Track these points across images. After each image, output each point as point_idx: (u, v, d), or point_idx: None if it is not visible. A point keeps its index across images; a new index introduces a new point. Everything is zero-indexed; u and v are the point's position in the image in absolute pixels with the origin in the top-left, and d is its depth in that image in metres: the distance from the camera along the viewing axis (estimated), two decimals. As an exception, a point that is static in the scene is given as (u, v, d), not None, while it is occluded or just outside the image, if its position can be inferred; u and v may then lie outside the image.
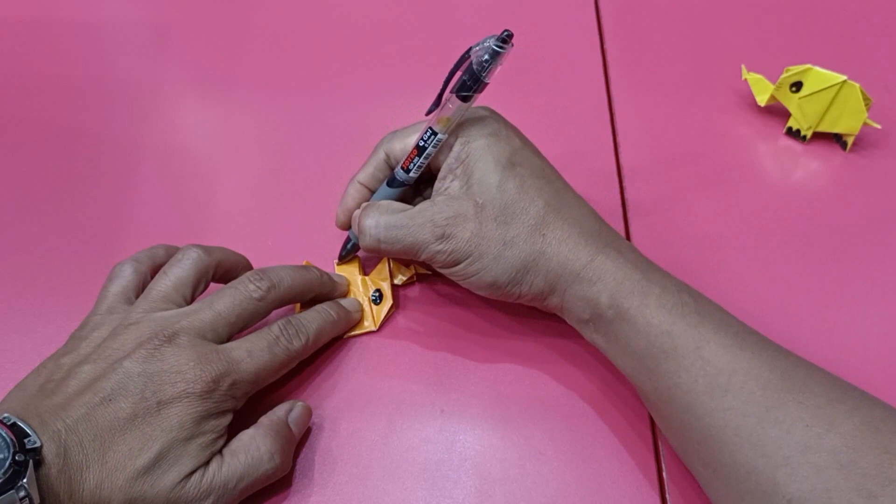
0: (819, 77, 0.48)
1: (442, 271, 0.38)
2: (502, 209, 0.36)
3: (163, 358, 0.33)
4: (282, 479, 0.36)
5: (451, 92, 0.36)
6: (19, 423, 0.30)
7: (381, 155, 0.41)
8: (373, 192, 0.41)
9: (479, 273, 0.37)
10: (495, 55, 0.34)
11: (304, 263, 0.43)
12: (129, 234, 0.47)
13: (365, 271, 0.44)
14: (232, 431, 0.35)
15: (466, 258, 0.36)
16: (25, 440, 0.29)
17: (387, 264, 0.44)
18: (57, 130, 0.54)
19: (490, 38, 0.34)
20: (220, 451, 0.34)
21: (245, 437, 0.35)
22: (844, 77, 0.47)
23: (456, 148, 0.37)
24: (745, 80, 0.52)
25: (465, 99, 0.35)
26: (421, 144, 0.38)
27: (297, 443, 0.37)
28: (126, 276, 0.38)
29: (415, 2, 0.63)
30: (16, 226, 0.48)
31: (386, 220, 0.38)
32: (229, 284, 0.37)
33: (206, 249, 0.39)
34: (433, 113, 0.37)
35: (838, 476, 0.28)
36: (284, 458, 0.35)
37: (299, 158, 0.51)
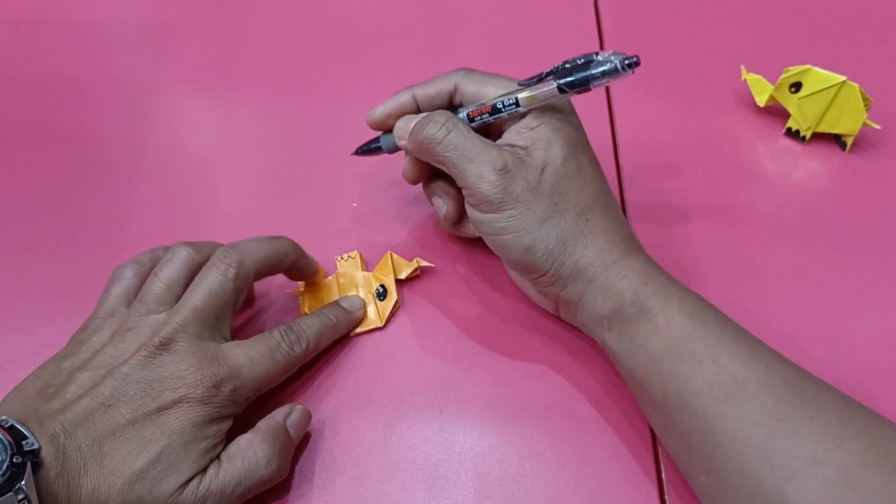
0: (818, 77, 0.48)
1: (478, 220, 0.37)
2: (561, 181, 0.36)
3: (162, 364, 0.33)
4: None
5: (555, 80, 0.36)
6: (17, 426, 0.30)
7: (449, 85, 0.40)
8: (418, 112, 0.41)
9: (519, 231, 0.36)
10: (615, 74, 0.34)
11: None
12: (129, 234, 0.47)
13: (367, 268, 0.44)
14: (230, 434, 0.35)
15: (514, 205, 0.36)
16: (23, 442, 0.29)
17: (389, 259, 0.44)
18: (57, 130, 0.54)
19: (619, 55, 0.34)
20: (217, 457, 0.34)
21: (243, 441, 0.35)
22: (844, 77, 0.47)
23: (528, 118, 0.37)
24: (745, 80, 0.52)
25: (562, 91, 0.36)
26: (499, 106, 0.38)
27: (295, 447, 0.37)
28: (127, 278, 0.38)
29: (415, 2, 0.63)
30: (16, 226, 0.48)
31: (459, 127, 0.37)
32: (201, 272, 0.37)
33: (195, 246, 0.38)
34: (526, 88, 0.37)
35: (846, 492, 0.28)
36: (282, 463, 0.35)
37: (299, 158, 0.51)
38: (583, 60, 0.35)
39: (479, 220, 0.37)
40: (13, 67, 0.58)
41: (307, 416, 0.38)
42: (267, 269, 0.39)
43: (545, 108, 0.38)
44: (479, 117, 0.39)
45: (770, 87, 0.51)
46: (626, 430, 0.38)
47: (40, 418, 0.31)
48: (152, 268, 0.39)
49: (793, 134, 0.51)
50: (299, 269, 0.41)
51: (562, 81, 0.35)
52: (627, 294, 0.35)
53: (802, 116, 0.50)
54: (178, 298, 0.37)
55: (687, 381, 0.33)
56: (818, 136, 0.51)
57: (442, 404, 0.39)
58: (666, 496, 0.36)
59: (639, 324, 0.35)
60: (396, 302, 0.42)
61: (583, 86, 0.35)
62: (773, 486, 0.30)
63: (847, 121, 0.49)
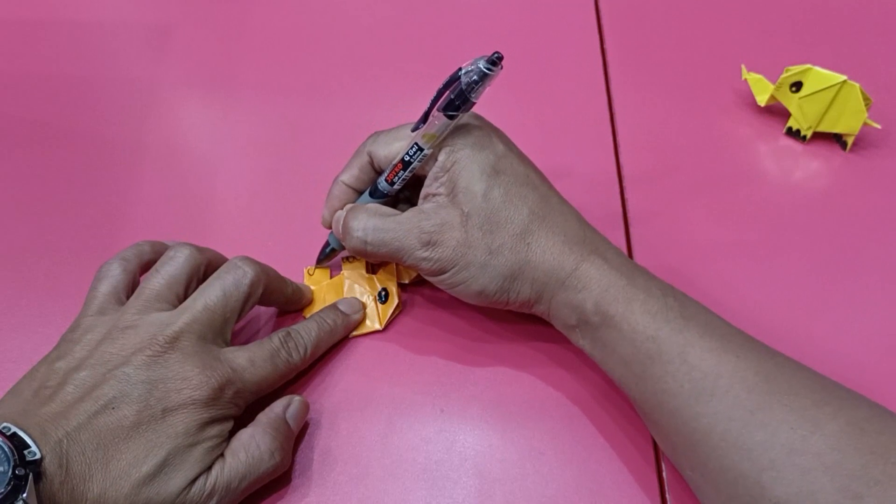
0: (819, 77, 0.48)
1: (429, 279, 0.38)
2: (487, 218, 0.36)
3: (166, 364, 0.33)
4: (280, 477, 0.36)
5: (437, 110, 0.36)
6: (19, 433, 0.29)
7: (364, 157, 0.40)
8: (356, 191, 0.42)
9: (466, 282, 0.37)
10: (484, 77, 0.34)
11: (305, 271, 0.44)
12: (129, 234, 0.47)
13: (372, 270, 0.44)
14: (231, 429, 0.35)
15: (453, 267, 0.37)
16: (25, 451, 0.28)
17: (395, 263, 0.44)
18: (57, 130, 0.54)
19: (480, 59, 0.34)
20: (221, 453, 0.34)
21: (244, 435, 0.35)
22: (844, 77, 0.47)
23: (441, 157, 0.37)
24: (745, 80, 0.52)
25: (451, 117, 0.36)
26: (406, 159, 0.38)
27: (294, 438, 0.37)
28: (115, 275, 0.38)
29: (415, 3, 0.63)
30: (16, 225, 0.48)
31: (374, 223, 0.38)
32: (216, 273, 0.37)
33: (197, 247, 0.39)
34: (419, 130, 0.37)
35: (823, 478, 0.28)
36: (284, 455, 0.35)
37: (299, 158, 0.51)
38: (455, 77, 0.35)
39: (432, 281, 0.39)
40: (13, 67, 0.58)
41: (306, 407, 0.38)
42: (270, 292, 0.39)
43: (455, 137, 0.37)
44: (396, 178, 0.39)
45: (770, 87, 0.51)
46: (627, 429, 0.38)
47: (42, 424, 0.30)
48: (139, 263, 0.39)
49: (793, 133, 0.51)
50: (293, 302, 0.42)
51: (444, 108, 0.35)
52: (588, 305, 0.35)
53: (803, 116, 0.50)
54: (178, 296, 0.37)
55: (659, 382, 0.33)
56: (819, 136, 0.51)
57: (442, 404, 0.39)
58: (667, 495, 0.36)
59: (606, 331, 0.35)
60: (398, 306, 0.42)
61: (463, 101, 0.35)
62: (752, 478, 0.30)
63: (848, 120, 0.49)
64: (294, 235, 0.47)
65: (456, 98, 0.35)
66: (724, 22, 0.60)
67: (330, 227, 0.42)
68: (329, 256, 0.44)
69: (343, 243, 0.40)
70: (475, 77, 0.34)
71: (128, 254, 0.39)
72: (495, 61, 0.34)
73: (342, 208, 0.41)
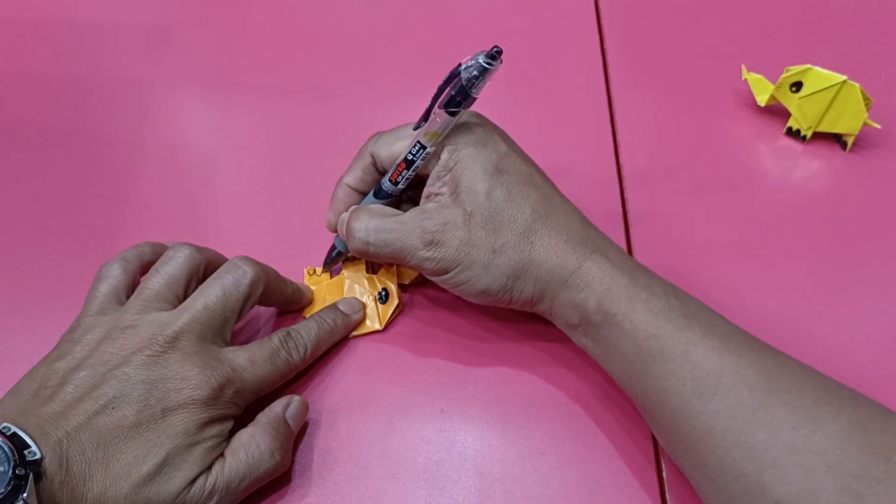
0: (819, 77, 0.48)
1: (432, 279, 0.38)
2: (490, 217, 0.36)
3: (166, 364, 0.33)
4: (280, 477, 0.36)
5: (439, 107, 0.36)
6: (19, 433, 0.29)
7: (367, 158, 0.41)
8: (361, 193, 0.42)
9: (469, 281, 0.37)
10: (484, 71, 0.34)
11: (305, 271, 0.44)
12: (129, 234, 0.47)
13: (373, 270, 0.44)
14: (231, 429, 0.35)
15: (456, 266, 0.36)
16: (26, 451, 0.28)
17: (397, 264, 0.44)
18: (57, 130, 0.54)
19: (479, 53, 0.34)
20: (221, 453, 0.34)
21: (244, 435, 0.35)
22: (844, 77, 0.47)
23: (443, 156, 0.37)
24: (745, 80, 0.52)
25: (452, 113, 0.36)
26: (410, 158, 0.38)
27: (294, 437, 0.37)
28: (115, 275, 0.38)
29: (415, 3, 0.63)
30: (16, 226, 0.48)
31: (376, 224, 0.38)
32: (216, 273, 0.37)
33: (197, 247, 0.39)
34: (421, 128, 0.37)
35: (825, 477, 0.28)
36: (284, 454, 0.35)
37: (299, 159, 0.51)
38: (455, 73, 0.35)
39: (435, 281, 0.38)
40: (13, 67, 0.58)
41: (305, 407, 0.38)
42: (270, 292, 0.39)
43: (457, 136, 0.37)
44: (399, 177, 0.39)
45: (770, 87, 0.51)
46: (628, 429, 0.38)
47: (42, 424, 0.30)
48: (139, 264, 0.39)
49: (793, 133, 0.51)
50: (293, 302, 0.42)
51: (445, 104, 0.35)
52: (591, 303, 0.35)
53: (803, 116, 0.50)
54: (178, 296, 0.37)
55: (661, 381, 0.33)
56: (819, 136, 0.51)
57: (442, 404, 0.39)
58: (667, 495, 0.36)
59: (608, 329, 0.35)
60: (398, 306, 0.42)
61: (464, 97, 0.35)
62: (754, 477, 0.30)
63: (848, 120, 0.49)
64: (294, 235, 0.47)
65: (457, 94, 0.35)
66: (724, 22, 0.60)
67: (335, 231, 0.42)
68: (335, 260, 0.44)
69: (347, 245, 0.40)
70: (475, 72, 0.34)
71: (128, 254, 0.39)
72: (494, 55, 0.34)
73: (347, 211, 0.41)
